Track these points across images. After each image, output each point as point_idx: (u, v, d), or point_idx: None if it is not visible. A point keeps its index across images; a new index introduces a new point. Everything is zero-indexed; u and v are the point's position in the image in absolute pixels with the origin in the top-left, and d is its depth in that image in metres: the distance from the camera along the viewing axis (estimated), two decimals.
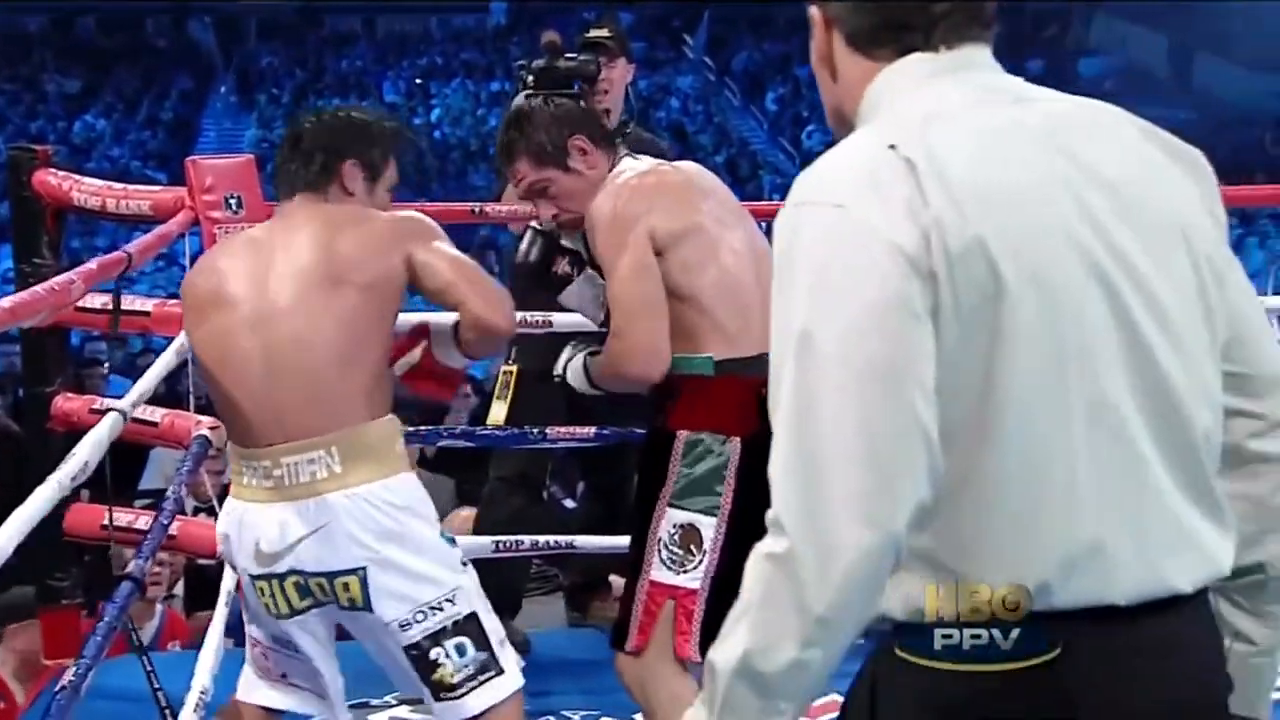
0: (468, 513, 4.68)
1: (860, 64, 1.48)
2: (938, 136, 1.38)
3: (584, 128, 2.79)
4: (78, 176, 3.60)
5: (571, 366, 2.83)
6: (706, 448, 2.59)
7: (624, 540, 3.80)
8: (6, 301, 2.27)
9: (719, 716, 1.35)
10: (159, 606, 4.50)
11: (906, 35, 1.45)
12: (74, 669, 2.58)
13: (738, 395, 2.56)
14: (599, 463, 4.25)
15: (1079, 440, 1.35)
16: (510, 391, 3.88)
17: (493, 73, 22.37)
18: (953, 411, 1.33)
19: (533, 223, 2.94)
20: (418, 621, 2.53)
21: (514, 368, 3.91)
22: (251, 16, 23.76)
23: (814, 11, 1.51)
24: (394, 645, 2.56)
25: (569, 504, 5.36)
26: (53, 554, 3.70)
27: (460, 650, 2.55)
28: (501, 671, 2.58)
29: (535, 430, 3.79)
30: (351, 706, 2.79)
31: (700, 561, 2.59)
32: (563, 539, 3.87)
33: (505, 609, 4.02)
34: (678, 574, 2.61)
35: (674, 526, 2.60)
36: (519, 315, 3.74)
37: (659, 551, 2.61)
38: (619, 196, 2.68)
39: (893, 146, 1.36)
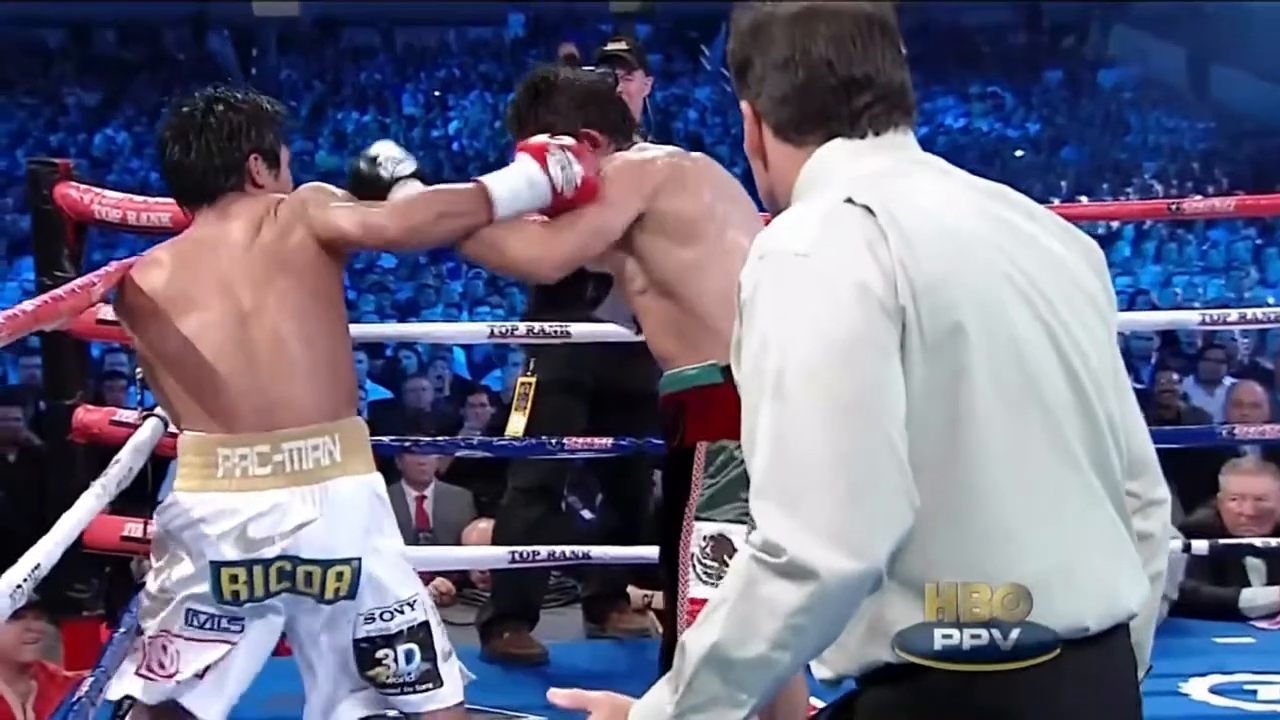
0: (485, 524, 4.69)
1: (790, 151, 1.58)
2: (885, 192, 1.46)
3: (602, 118, 2.74)
4: (98, 189, 3.62)
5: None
6: (729, 455, 2.51)
7: (642, 551, 3.82)
8: (28, 305, 2.28)
9: (682, 695, 1.40)
10: None
11: (832, 123, 1.55)
12: (90, 680, 2.60)
13: None
14: (617, 473, 4.26)
15: (1044, 471, 1.44)
16: (528, 402, 3.88)
17: (510, 85, 22.32)
18: (923, 444, 1.40)
19: None
20: (382, 619, 2.56)
21: (532, 379, 3.91)
22: (270, 29, 23.81)
23: (744, 106, 1.60)
24: (345, 639, 2.57)
25: (587, 515, 5.35)
26: (72, 565, 3.71)
27: (408, 657, 2.57)
28: (441, 684, 2.60)
29: (553, 441, 3.80)
30: None
31: None
32: (581, 550, 3.88)
33: (523, 620, 4.03)
34: (716, 586, 2.57)
35: (704, 539, 2.54)
36: (537, 326, 3.77)
37: (694, 567, 2.55)
38: (640, 158, 2.65)
39: (849, 200, 1.45)
